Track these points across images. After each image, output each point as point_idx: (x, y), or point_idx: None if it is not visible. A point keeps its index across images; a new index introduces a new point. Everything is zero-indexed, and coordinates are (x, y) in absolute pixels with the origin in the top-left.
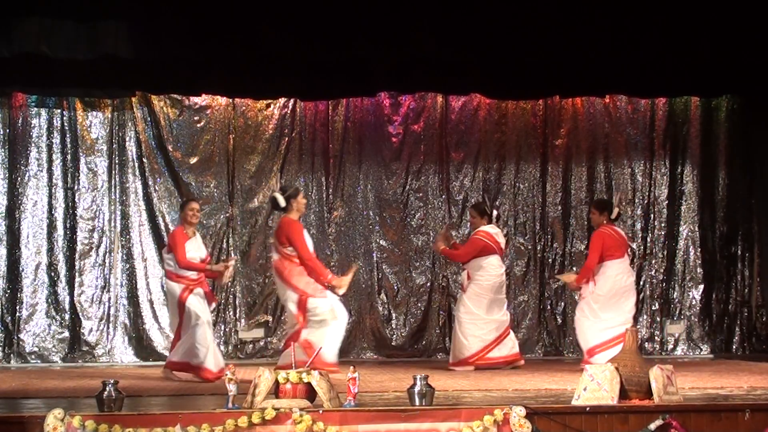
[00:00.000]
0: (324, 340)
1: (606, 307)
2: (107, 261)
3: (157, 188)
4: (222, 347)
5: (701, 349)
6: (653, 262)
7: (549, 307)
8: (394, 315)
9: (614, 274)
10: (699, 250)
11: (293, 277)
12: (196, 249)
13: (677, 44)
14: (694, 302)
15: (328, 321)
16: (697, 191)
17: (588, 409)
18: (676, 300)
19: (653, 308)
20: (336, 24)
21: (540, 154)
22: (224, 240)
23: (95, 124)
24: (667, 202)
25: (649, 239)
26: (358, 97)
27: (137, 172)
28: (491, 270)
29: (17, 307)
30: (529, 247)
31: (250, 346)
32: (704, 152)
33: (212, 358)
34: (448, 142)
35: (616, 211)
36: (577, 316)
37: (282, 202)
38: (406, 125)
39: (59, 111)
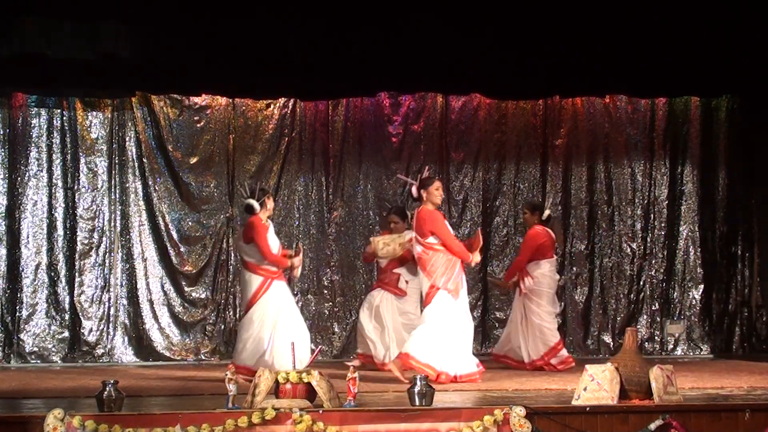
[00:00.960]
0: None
1: (550, 300)
2: (107, 261)
3: (157, 188)
4: (222, 347)
5: (701, 349)
6: (653, 262)
7: None
8: None
9: (548, 269)
10: (699, 250)
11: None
12: (272, 239)
13: (677, 44)
14: (694, 302)
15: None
16: (697, 191)
17: (588, 409)
18: (676, 300)
19: (653, 308)
20: (336, 24)
21: (540, 154)
22: (224, 240)
23: (95, 124)
24: (667, 202)
25: (649, 239)
26: (358, 97)
27: (137, 172)
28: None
29: (17, 307)
30: None
31: None
32: (704, 152)
33: (268, 360)
34: (448, 142)
35: (547, 212)
36: (534, 322)
37: (414, 192)
38: (406, 125)
39: (59, 111)
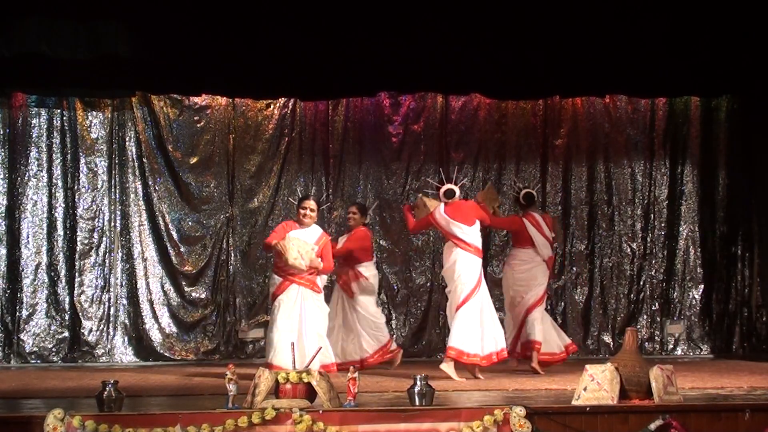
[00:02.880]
0: None
1: (375, 299)
2: (107, 261)
3: (157, 188)
4: (222, 347)
5: (701, 349)
6: (653, 262)
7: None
8: (394, 315)
9: (374, 271)
10: (699, 250)
11: None
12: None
13: (677, 44)
14: (694, 302)
15: None
16: (697, 191)
17: (588, 409)
18: (676, 300)
19: (653, 308)
20: (336, 24)
21: (540, 154)
22: (224, 240)
23: (95, 124)
24: (667, 202)
25: (649, 239)
26: (358, 97)
27: (137, 172)
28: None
29: (17, 307)
30: None
31: (250, 346)
32: (704, 152)
33: None
34: (448, 142)
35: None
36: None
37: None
38: (406, 125)
39: (59, 111)
